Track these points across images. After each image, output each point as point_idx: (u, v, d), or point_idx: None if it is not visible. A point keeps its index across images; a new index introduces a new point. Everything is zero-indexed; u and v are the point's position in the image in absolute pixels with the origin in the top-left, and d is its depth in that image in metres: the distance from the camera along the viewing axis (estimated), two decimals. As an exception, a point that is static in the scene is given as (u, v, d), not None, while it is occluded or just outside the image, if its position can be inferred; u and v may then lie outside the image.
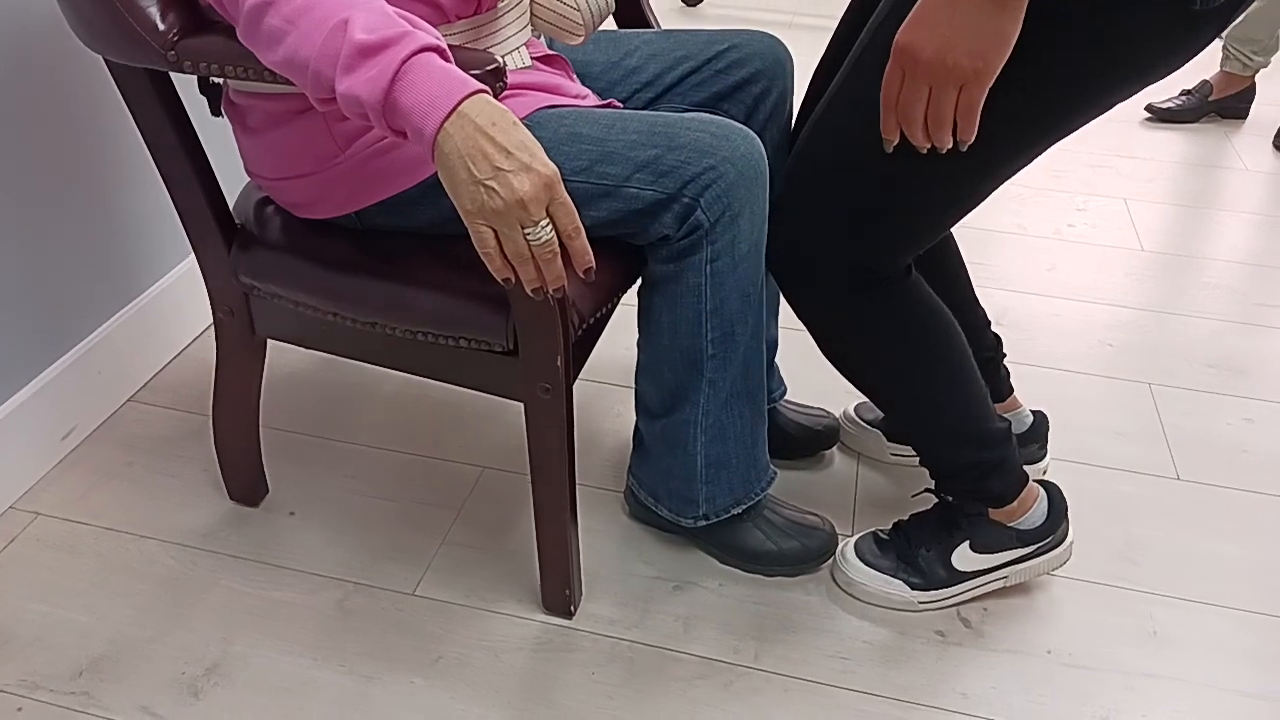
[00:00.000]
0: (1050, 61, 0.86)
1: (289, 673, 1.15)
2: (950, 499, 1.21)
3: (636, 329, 1.14)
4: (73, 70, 1.35)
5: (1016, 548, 1.20)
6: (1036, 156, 0.96)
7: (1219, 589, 1.28)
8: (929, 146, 0.87)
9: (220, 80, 1.09)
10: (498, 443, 1.48)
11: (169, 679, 1.14)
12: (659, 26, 1.32)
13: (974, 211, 2.11)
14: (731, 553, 1.26)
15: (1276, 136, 2.53)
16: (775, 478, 1.23)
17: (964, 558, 1.21)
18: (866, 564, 1.24)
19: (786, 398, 1.43)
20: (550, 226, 0.81)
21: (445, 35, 0.99)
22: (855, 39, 1.10)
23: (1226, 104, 2.62)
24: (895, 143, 0.88)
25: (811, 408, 1.45)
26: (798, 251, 1.05)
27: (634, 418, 1.21)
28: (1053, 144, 0.95)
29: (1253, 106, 2.67)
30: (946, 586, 1.22)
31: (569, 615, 1.21)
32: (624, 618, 1.22)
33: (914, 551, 1.22)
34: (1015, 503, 1.19)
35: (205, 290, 1.18)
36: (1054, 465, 1.47)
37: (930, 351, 1.09)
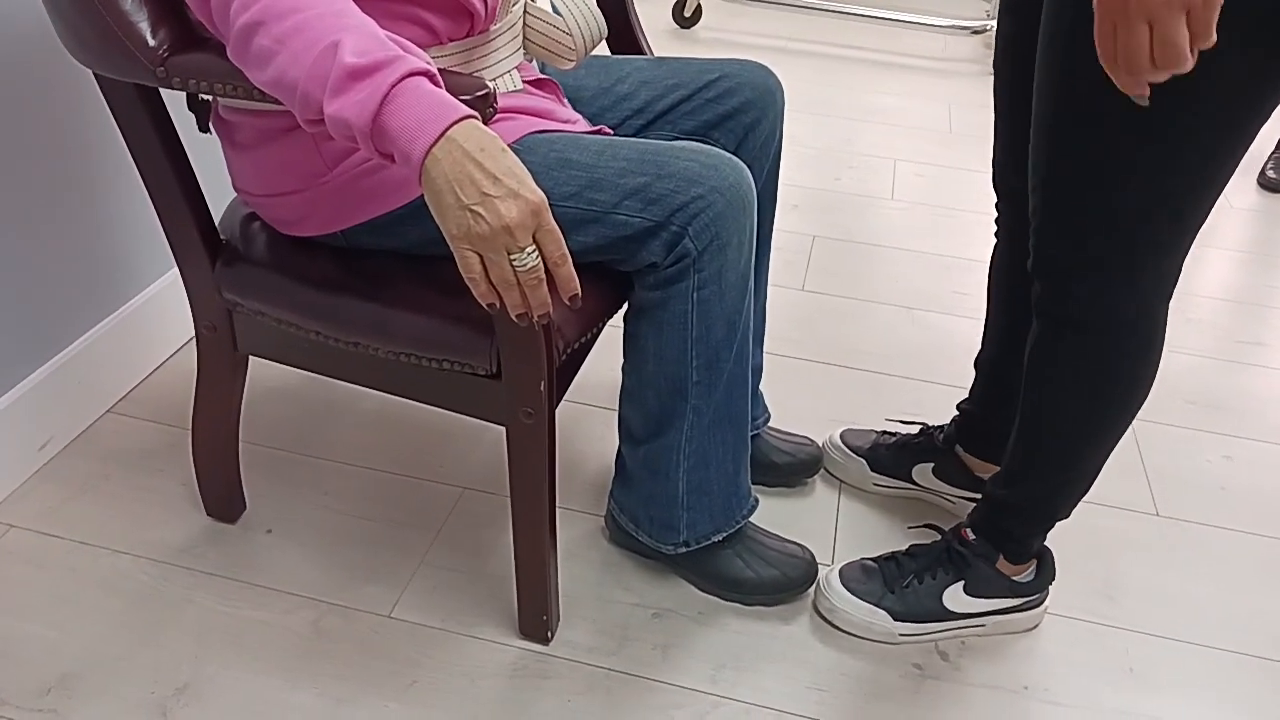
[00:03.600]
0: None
1: (261, 694, 1.14)
2: (973, 537, 1.20)
3: (622, 353, 1.14)
4: (61, 81, 1.35)
5: (1007, 598, 1.21)
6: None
7: (1196, 627, 1.28)
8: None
9: (209, 97, 1.08)
10: (478, 464, 1.47)
11: (139, 698, 1.13)
12: (651, 53, 1.33)
13: (948, 240, 2.13)
14: (711, 580, 1.26)
15: (1261, 174, 2.56)
16: (757, 505, 1.23)
17: (955, 598, 1.20)
18: (851, 591, 1.23)
19: (770, 425, 1.43)
20: (536, 253, 0.81)
21: (437, 57, 0.99)
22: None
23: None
24: (1148, 95, 0.76)
25: (795, 435, 1.45)
26: (1075, 251, 0.99)
27: (617, 442, 1.21)
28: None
29: (1237, 145, 2.69)
30: (930, 621, 1.21)
31: (546, 641, 1.20)
32: (602, 645, 1.21)
33: (903, 580, 1.22)
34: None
35: (188, 303, 1.18)
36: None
37: (1149, 387, 1.08)
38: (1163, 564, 1.38)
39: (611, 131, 1.16)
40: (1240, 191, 2.51)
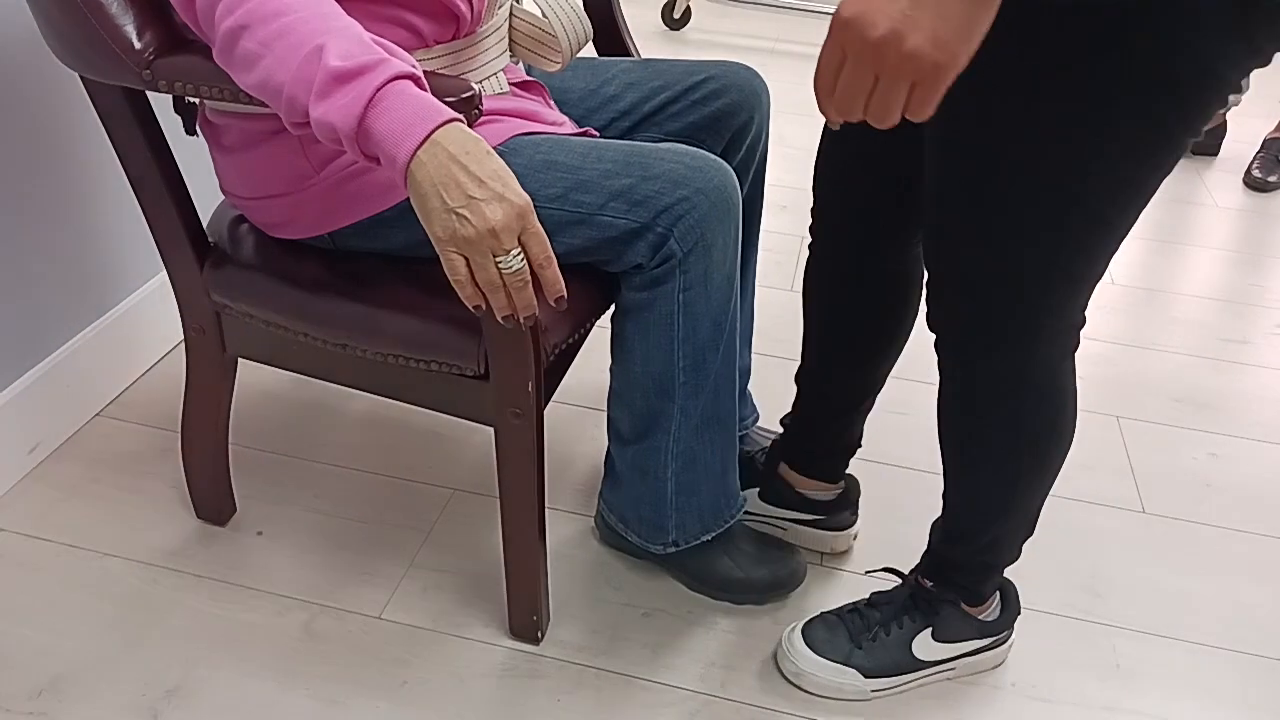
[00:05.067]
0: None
1: (252, 696, 1.14)
2: (930, 584, 1.17)
3: (610, 354, 1.14)
4: (47, 83, 1.35)
5: (976, 639, 1.18)
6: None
7: (1182, 622, 1.29)
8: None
9: (196, 99, 1.09)
10: (468, 465, 1.48)
11: (129, 701, 1.13)
12: (638, 55, 1.33)
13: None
14: (701, 580, 1.26)
15: (1246, 174, 2.58)
16: (745, 505, 1.23)
17: (926, 647, 1.17)
18: (816, 651, 1.17)
19: (759, 425, 1.44)
20: (522, 255, 0.82)
21: (424, 60, 1.00)
22: None
23: (1198, 140, 2.67)
24: (839, 124, 0.73)
25: (783, 435, 1.45)
26: (974, 318, 0.96)
27: (606, 442, 1.22)
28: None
29: (1224, 144, 2.72)
30: (901, 674, 1.17)
31: (536, 641, 1.21)
32: (592, 644, 1.22)
33: (869, 633, 1.17)
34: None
35: (176, 307, 1.18)
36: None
37: (1069, 430, 1.03)
38: (1149, 560, 1.39)
39: (598, 133, 1.17)
40: (1226, 190, 2.53)
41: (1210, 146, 2.69)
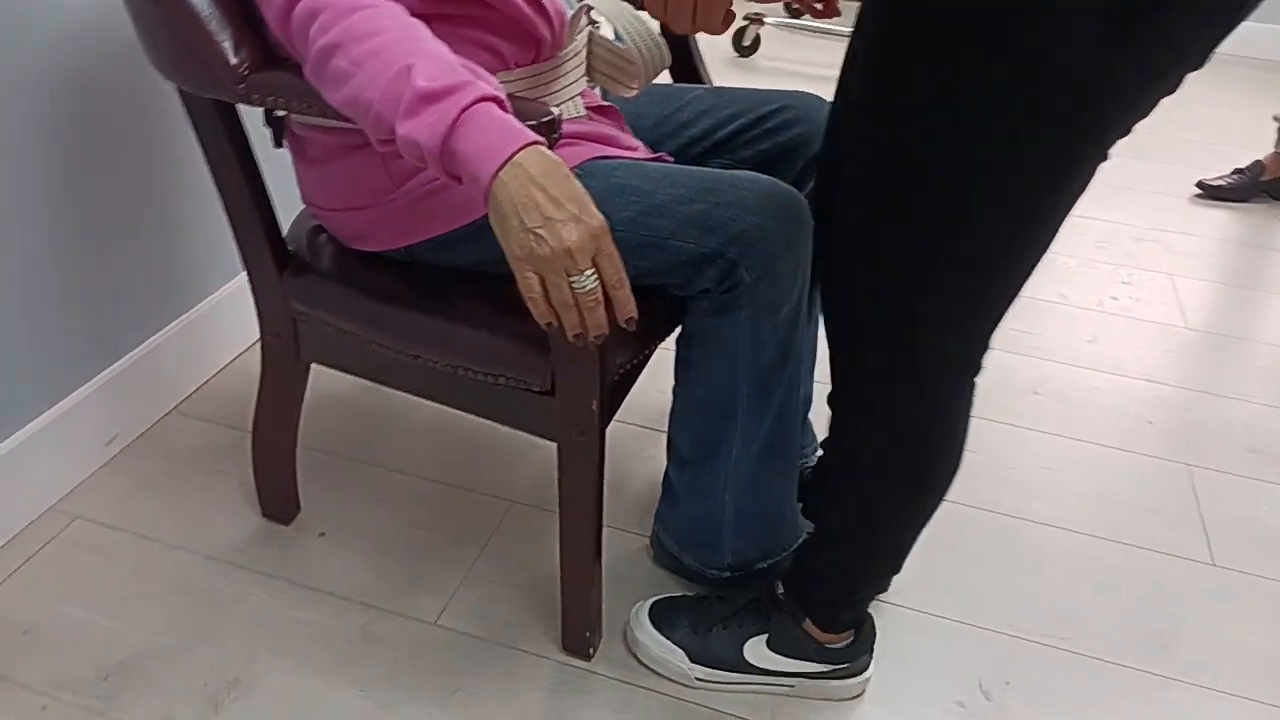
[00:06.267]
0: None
1: (308, 694, 1.16)
2: (782, 592, 1.16)
3: (673, 376, 1.15)
4: (145, 94, 1.40)
5: (813, 662, 1.16)
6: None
7: (1246, 680, 1.26)
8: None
9: (284, 113, 1.12)
10: (527, 478, 1.50)
11: (191, 690, 1.16)
12: (711, 82, 1.35)
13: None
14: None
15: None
16: (804, 536, 1.23)
17: (757, 652, 1.16)
18: (654, 625, 1.20)
19: (819, 454, 1.43)
20: (595, 276, 0.83)
21: (504, 83, 1.02)
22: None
23: (1278, 185, 2.60)
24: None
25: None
26: (888, 347, 0.93)
27: (665, 463, 1.22)
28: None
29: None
30: (729, 671, 1.17)
31: (588, 657, 1.22)
32: (643, 665, 1.22)
33: (707, 623, 1.18)
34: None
35: (253, 308, 1.21)
36: (1084, 541, 1.45)
37: (951, 472, 1.02)
38: (1215, 614, 1.35)
39: (671, 159, 1.18)
40: (1310, 235, 2.46)
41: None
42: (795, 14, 3.46)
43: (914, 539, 1.08)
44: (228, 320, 1.66)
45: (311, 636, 1.23)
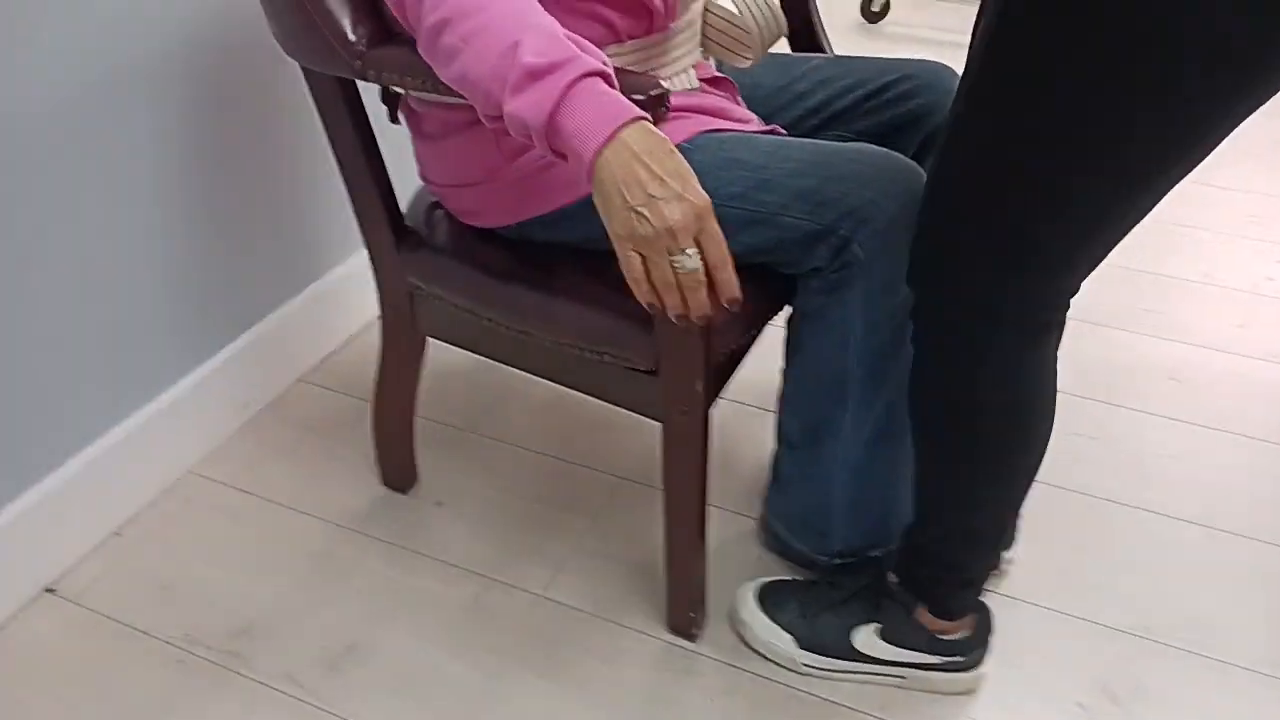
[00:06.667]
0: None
1: (422, 660, 1.20)
2: (895, 580, 1.12)
3: (783, 356, 1.13)
4: (272, 74, 1.45)
5: (926, 653, 1.11)
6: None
7: None
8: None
9: (400, 90, 1.14)
10: (636, 455, 1.50)
11: (312, 652, 1.21)
12: (831, 52, 1.30)
13: (1137, 252, 1.97)
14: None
15: None
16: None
17: (868, 641, 1.13)
18: (762, 608, 1.18)
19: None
20: (698, 256, 0.82)
21: (615, 55, 1.01)
22: None
23: None
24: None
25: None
26: (965, 286, 0.90)
27: (773, 443, 1.20)
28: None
29: None
30: (837, 658, 1.15)
31: (692, 638, 1.21)
32: (747, 648, 1.21)
33: (816, 608, 1.16)
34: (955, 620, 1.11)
35: (373, 283, 1.25)
36: (1224, 539, 1.36)
37: (1038, 433, 0.97)
38: (1374, 621, 1.25)
39: (785, 132, 1.15)
40: None
41: None
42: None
43: (1014, 505, 1.04)
44: (353, 292, 1.72)
45: (425, 604, 1.27)
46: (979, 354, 0.92)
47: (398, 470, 1.43)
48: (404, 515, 1.40)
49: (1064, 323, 0.92)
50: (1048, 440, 0.98)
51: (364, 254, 1.23)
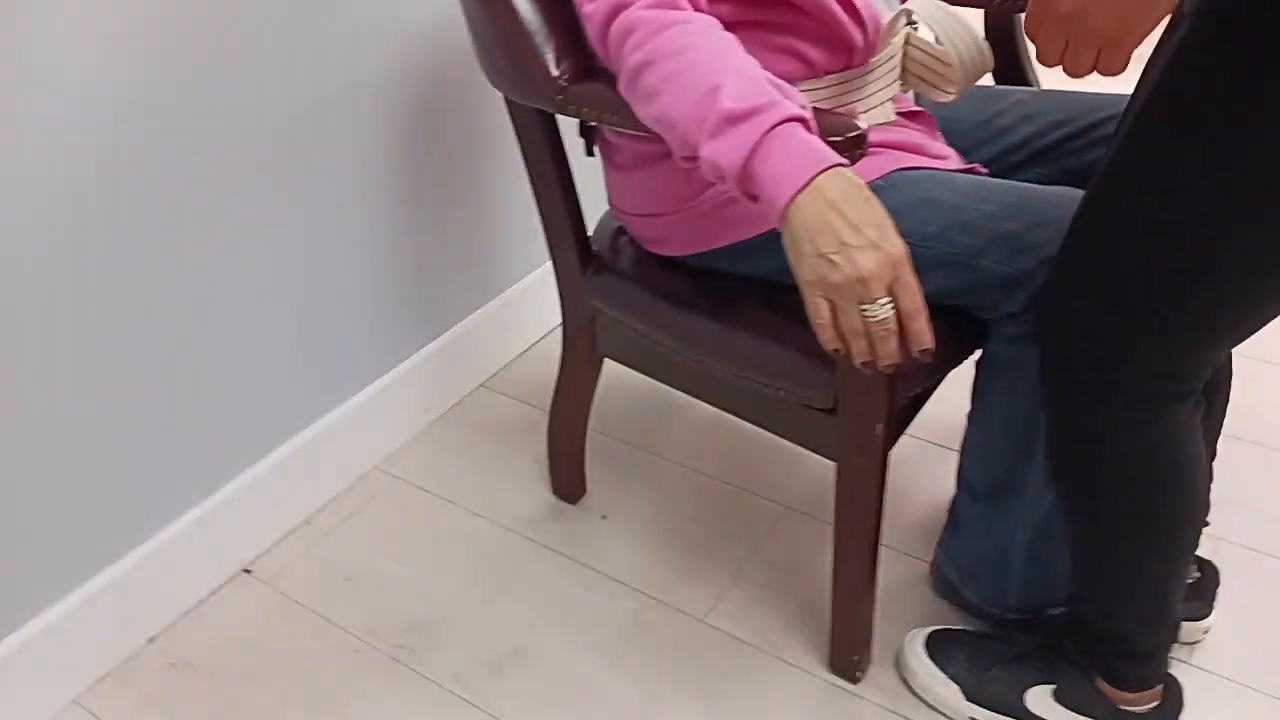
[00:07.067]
0: None
1: (582, 673, 1.22)
2: (1070, 644, 1.07)
3: (970, 400, 1.09)
4: (472, 100, 1.51)
5: None
6: None
7: None
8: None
9: (597, 124, 1.17)
10: (803, 484, 1.48)
11: (478, 653, 1.25)
12: (1038, 85, 1.25)
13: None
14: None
15: None
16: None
17: (1043, 703, 1.08)
18: (931, 656, 1.15)
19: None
20: (890, 305, 0.80)
21: (812, 90, 1.00)
22: None
23: None
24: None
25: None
26: (1088, 349, 0.89)
27: (952, 485, 1.16)
28: None
29: None
30: (1006, 716, 1.11)
31: (855, 681, 1.19)
32: (912, 696, 1.17)
33: (987, 662, 1.12)
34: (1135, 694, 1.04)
35: (555, 295, 1.28)
36: None
37: (1182, 503, 0.94)
38: None
39: (985, 169, 1.11)
40: None
41: None
42: None
43: (1170, 577, 0.98)
44: (533, 304, 1.77)
45: (588, 616, 1.29)
46: (1106, 419, 0.90)
47: (568, 481, 1.46)
48: (571, 525, 1.43)
49: (1198, 393, 0.90)
50: (1197, 509, 0.95)
51: (545, 267, 1.27)
